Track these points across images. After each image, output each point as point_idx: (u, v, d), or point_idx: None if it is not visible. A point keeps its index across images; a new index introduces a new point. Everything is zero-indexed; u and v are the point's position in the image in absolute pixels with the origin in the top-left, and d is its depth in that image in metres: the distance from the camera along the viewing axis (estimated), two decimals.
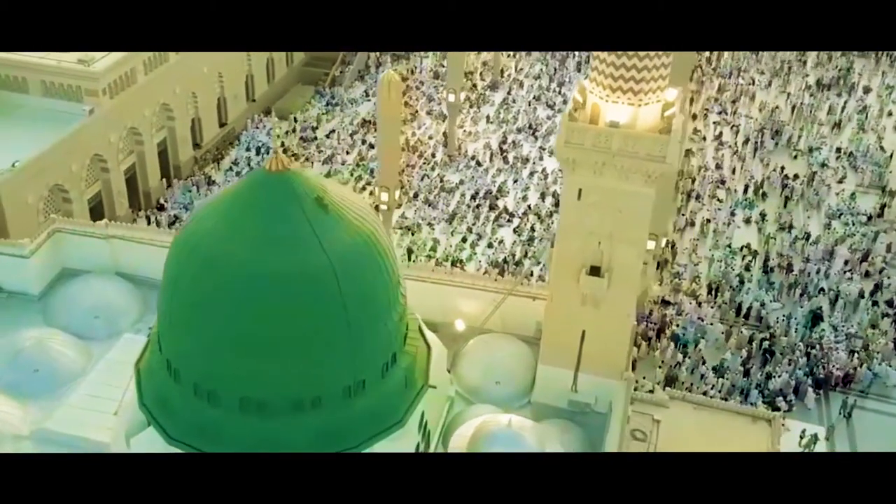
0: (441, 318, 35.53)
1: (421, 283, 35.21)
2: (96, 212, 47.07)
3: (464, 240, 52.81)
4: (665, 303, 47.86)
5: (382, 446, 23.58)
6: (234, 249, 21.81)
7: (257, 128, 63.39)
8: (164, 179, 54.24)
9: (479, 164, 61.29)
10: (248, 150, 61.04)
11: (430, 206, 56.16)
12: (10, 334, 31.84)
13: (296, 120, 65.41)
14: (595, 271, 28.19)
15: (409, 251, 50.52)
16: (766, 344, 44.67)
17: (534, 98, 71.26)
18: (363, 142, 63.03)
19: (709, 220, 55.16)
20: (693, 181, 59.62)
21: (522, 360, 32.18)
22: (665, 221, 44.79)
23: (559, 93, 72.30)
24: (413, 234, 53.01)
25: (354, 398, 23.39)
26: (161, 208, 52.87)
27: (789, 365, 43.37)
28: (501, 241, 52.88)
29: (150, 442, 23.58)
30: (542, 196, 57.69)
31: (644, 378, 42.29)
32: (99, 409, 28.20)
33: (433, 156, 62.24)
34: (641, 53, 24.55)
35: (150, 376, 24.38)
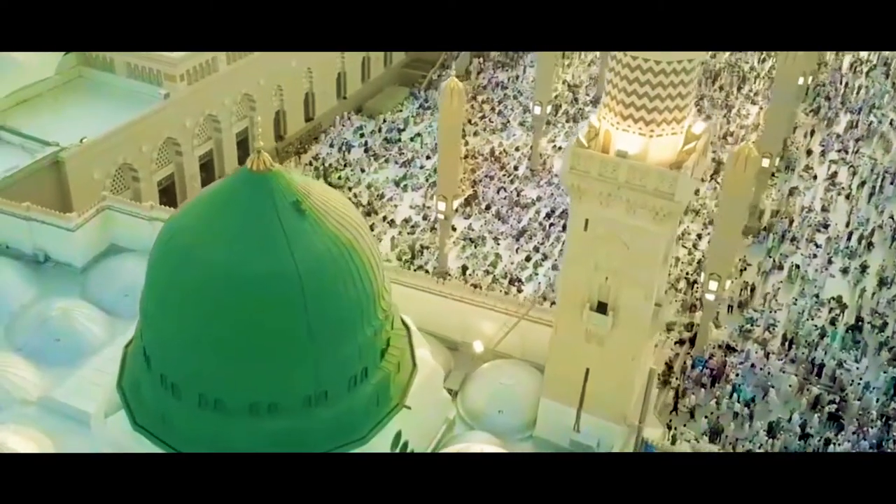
0: (461, 337, 35.34)
1: (443, 299, 35.14)
2: (168, 193, 49.74)
3: (528, 258, 52.02)
4: (730, 349, 45.36)
5: None
6: (203, 246, 22.50)
7: (343, 125, 64.97)
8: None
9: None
10: (331, 146, 62.69)
11: (500, 219, 55.73)
12: (45, 302, 34.09)
13: (384, 120, 66.57)
14: (602, 307, 27.16)
15: (464, 268, 50.18)
16: (833, 407, 41.48)
17: None
18: (466, 144, 63.26)
19: (797, 266, 51.81)
20: (791, 222, 56.21)
21: (532, 391, 31.36)
22: (730, 261, 42.38)
23: None
24: (476, 247, 52.74)
25: (315, 408, 23.52)
26: None
27: (854, 434, 40.08)
28: None
29: (121, 424, 24.61)
30: None
31: (685, 426, 40.37)
32: (105, 384, 29.63)
33: (515, 168, 61.71)
34: (654, 81, 23.43)
35: (131, 360, 25.45)
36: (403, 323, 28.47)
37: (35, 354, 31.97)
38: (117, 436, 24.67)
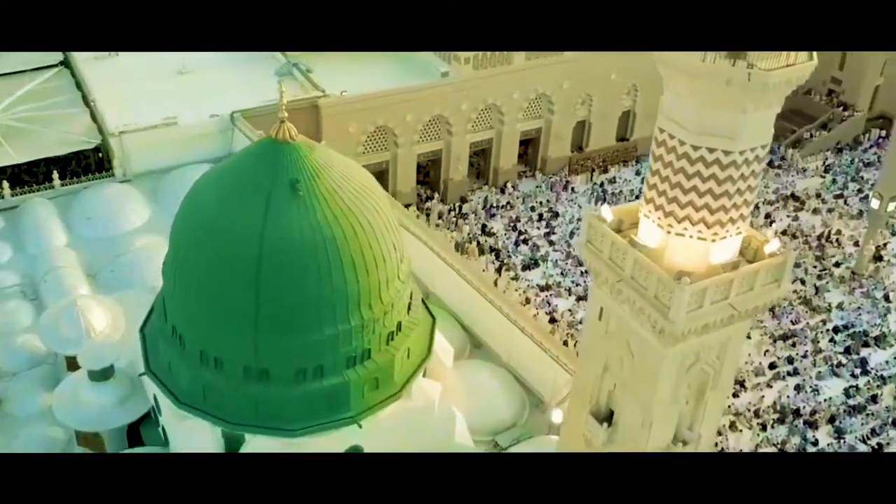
0: (548, 397, 33.64)
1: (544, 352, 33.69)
2: (435, 166, 54.08)
3: (772, 366, 45.96)
4: None
5: None
6: (200, 197, 25.53)
7: None
8: (526, 166, 58.58)
9: (887, 299, 51.06)
10: (637, 174, 61.02)
11: (774, 315, 49.52)
12: None
13: None
14: (609, 416, 24.12)
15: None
16: None
17: None
18: (767, 217, 57.70)
19: None
20: None
21: None
22: None
23: None
24: None
25: (255, 382, 25.10)
26: (502, 190, 57.38)
27: None
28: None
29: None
30: None
31: None
32: None
33: (836, 265, 53.70)
34: (676, 164, 19.90)
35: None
36: (429, 349, 28.41)
37: None
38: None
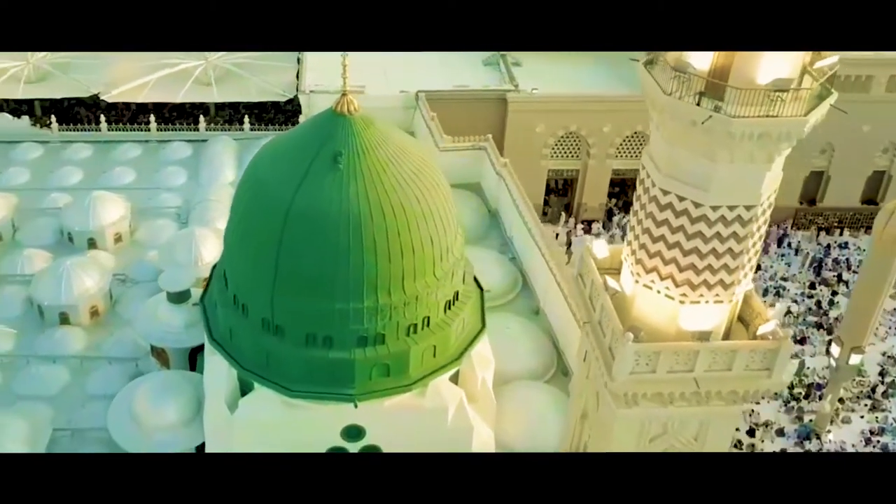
0: None
1: None
2: (628, 185, 52.51)
3: None
4: None
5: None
6: (260, 156, 27.58)
7: None
8: None
9: None
10: None
11: None
12: None
13: None
14: None
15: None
16: None
17: None
18: None
19: None
20: None
21: None
22: None
23: None
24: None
25: (269, 336, 26.89)
26: None
27: None
28: None
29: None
30: None
31: None
32: None
33: None
34: (647, 209, 18.38)
35: None
36: (461, 355, 28.48)
37: None
38: None
